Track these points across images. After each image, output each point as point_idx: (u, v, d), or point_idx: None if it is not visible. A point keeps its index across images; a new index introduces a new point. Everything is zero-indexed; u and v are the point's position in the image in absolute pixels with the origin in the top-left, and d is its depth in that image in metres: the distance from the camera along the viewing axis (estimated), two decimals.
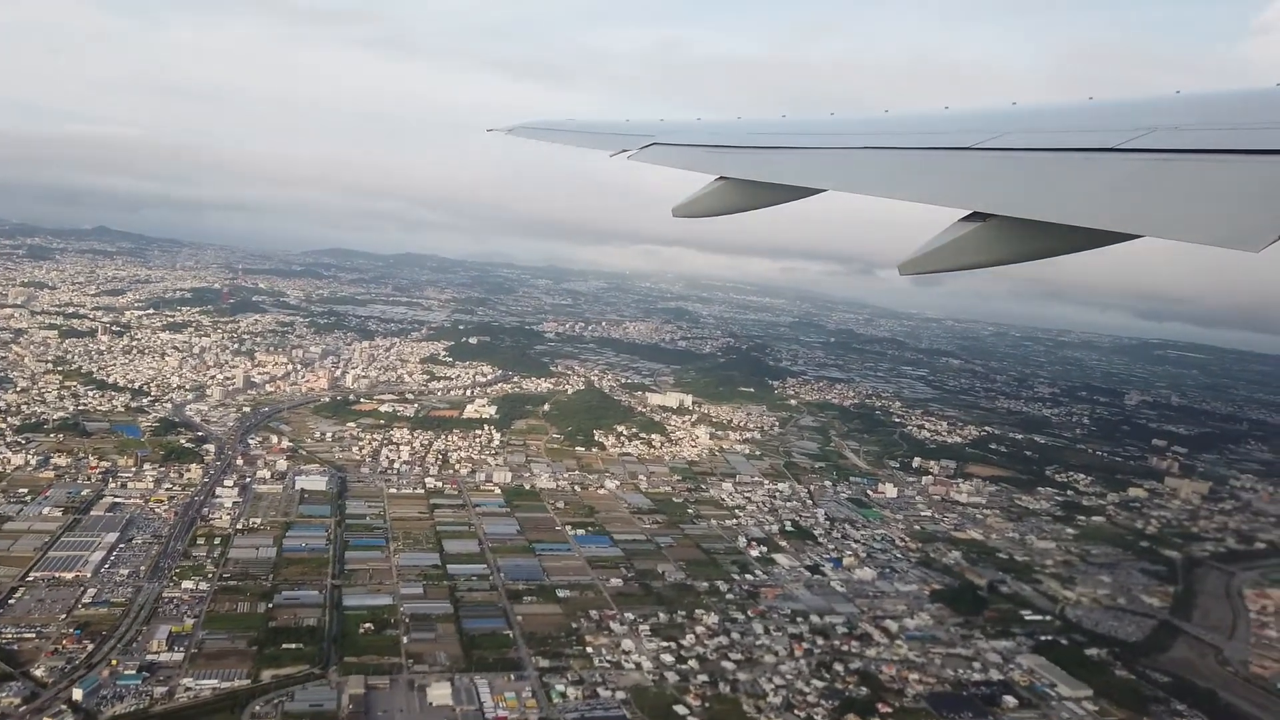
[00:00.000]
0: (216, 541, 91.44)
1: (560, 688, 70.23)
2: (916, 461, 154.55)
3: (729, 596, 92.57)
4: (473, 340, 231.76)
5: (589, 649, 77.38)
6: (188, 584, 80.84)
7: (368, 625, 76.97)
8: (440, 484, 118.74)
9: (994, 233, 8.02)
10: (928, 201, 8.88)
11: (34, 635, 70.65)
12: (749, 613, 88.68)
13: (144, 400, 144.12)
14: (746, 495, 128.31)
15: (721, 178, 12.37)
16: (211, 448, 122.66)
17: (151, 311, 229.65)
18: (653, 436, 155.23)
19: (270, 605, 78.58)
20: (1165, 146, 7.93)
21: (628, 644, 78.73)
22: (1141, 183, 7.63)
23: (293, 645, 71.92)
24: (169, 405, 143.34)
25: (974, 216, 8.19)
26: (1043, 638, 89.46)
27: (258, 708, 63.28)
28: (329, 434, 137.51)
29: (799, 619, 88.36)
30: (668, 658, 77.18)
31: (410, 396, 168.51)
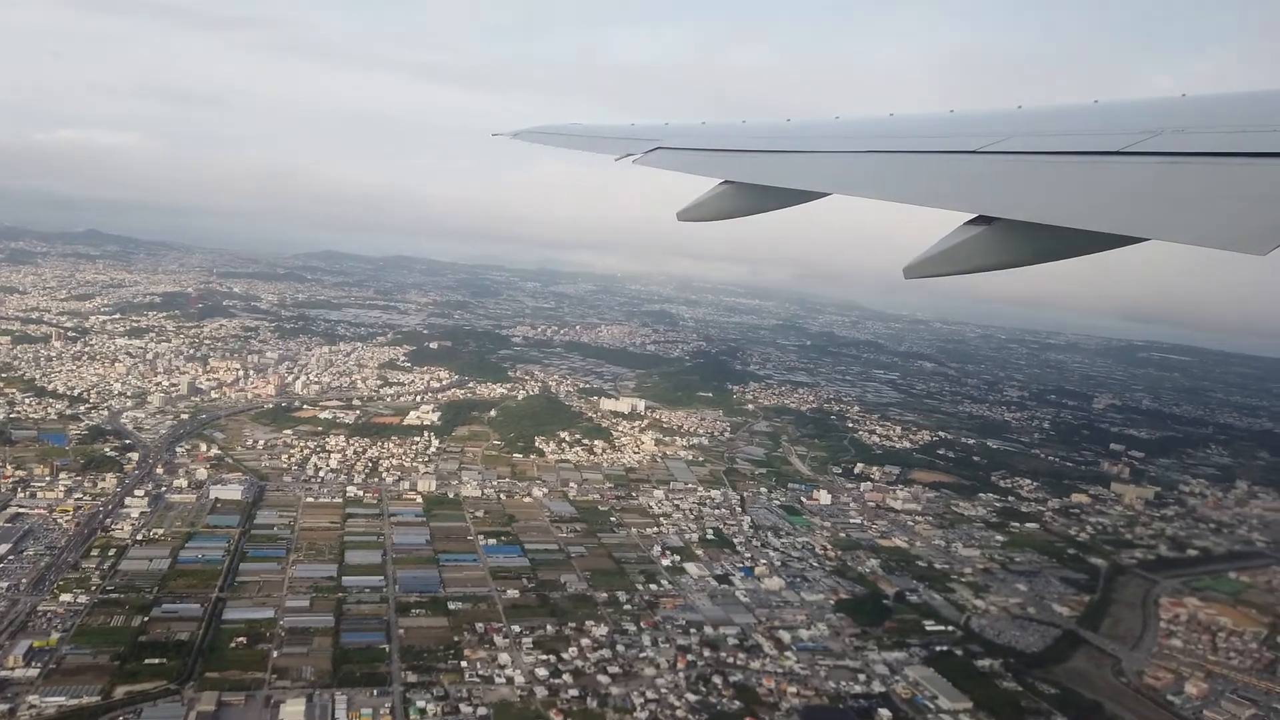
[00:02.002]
0: (111, 553, 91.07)
1: (421, 703, 69.75)
2: (860, 467, 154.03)
3: (626, 608, 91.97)
4: (434, 345, 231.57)
5: (464, 663, 76.84)
6: (66, 597, 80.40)
7: (241, 639, 76.53)
8: (361, 493, 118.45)
9: (1000, 236, 8.12)
10: (933, 205, 8.99)
11: None
12: (642, 624, 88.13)
13: (81, 407, 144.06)
14: (675, 503, 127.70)
15: (726, 181, 12.47)
16: (135, 456, 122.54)
17: (118, 316, 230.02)
18: (596, 443, 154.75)
19: (146, 619, 78.20)
20: (1171, 150, 8.04)
21: (505, 658, 78.24)
22: (1147, 186, 7.73)
23: (157, 660, 71.48)
24: (105, 413, 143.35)
25: (979, 220, 8.30)
26: (939, 649, 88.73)
27: None
28: (262, 441, 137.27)
29: (692, 630, 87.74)
30: (543, 671, 76.64)
31: (357, 403, 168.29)
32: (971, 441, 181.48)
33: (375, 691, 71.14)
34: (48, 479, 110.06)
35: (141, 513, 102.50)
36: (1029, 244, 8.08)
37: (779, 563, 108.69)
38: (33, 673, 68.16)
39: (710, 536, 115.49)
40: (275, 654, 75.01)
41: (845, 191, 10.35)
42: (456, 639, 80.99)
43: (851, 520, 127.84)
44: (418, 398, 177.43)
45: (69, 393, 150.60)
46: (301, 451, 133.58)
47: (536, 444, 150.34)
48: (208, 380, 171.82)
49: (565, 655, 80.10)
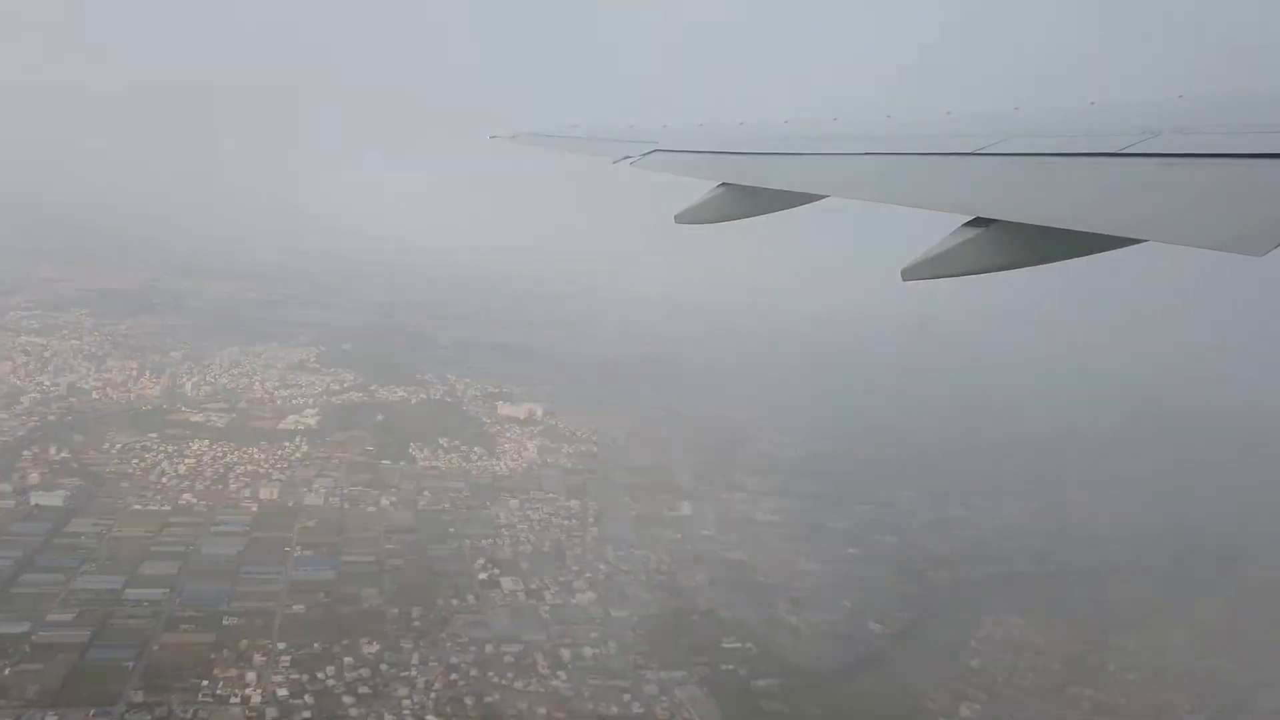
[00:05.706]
0: None
1: None
2: (737, 476, 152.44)
3: (415, 624, 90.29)
4: (347, 346, 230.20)
5: (206, 682, 75.34)
6: None
7: None
8: (194, 500, 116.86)
9: (998, 238, 8.12)
10: (930, 207, 9.01)
11: None
12: (420, 642, 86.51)
13: None
14: (528, 513, 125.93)
15: (724, 184, 12.49)
16: None
17: (38, 312, 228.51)
18: (475, 449, 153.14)
19: None
20: (1168, 150, 8.07)
21: (252, 677, 76.74)
22: (1145, 187, 7.78)
23: None
24: None
25: (977, 222, 8.30)
26: (724, 667, 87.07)
27: None
28: (120, 445, 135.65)
29: (471, 648, 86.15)
30: (284, 692, 75.17)
31: (243, 405, 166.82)
32: (870, 451, 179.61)
33: (94, 712, 69.64)
34: None
35: None
36: (1027, 246, 8.07)
37: (604, 577, 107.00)
38: None
39: (546, 549, 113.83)
40: (7, 671, 73.53)
41: (842, 194, 10.37)
42: (213, 657, 79.40)
43: (702, 532, 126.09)
44: (310, 401, 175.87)
45: None
46: (156, 457, 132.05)
47: (410, 450, 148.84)
48: (95, 380, 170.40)
49: (320, 675, 78.51)
